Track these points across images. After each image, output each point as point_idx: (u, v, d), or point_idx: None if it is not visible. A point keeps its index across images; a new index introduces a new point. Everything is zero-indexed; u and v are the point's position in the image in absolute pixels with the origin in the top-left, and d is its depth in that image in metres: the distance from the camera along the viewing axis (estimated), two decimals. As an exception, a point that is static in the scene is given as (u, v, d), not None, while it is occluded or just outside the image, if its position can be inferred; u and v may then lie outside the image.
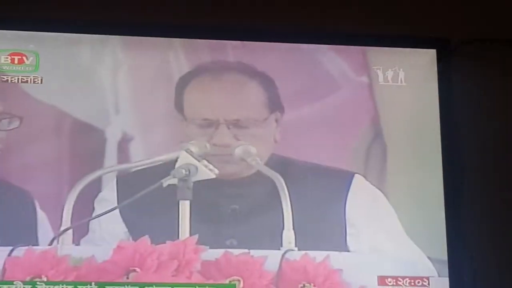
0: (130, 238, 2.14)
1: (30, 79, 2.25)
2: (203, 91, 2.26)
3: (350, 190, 2.24)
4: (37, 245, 2.11)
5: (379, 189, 2.26)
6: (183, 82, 2.27)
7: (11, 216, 2.16)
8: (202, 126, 2.21)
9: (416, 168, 2.29)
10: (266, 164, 2.21)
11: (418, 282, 2.17)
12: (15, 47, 2.27)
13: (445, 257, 2.21)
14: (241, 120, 2.21)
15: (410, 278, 2.17)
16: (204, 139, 2.20)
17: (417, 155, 2.30)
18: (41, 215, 2.16)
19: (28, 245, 2.08)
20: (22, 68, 2.26)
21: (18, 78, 2.24)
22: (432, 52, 2.37)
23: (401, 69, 2.34)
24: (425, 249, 2.22)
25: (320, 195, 2.22)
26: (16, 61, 2.26)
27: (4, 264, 2.06)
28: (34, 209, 2.16)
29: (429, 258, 2.21)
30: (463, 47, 2.37)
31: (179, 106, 2.25)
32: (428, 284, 2.18)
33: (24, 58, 2.26)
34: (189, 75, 2.28)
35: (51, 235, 2.13)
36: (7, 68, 2.25)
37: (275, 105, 2.26)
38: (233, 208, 2.20)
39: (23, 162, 2.19)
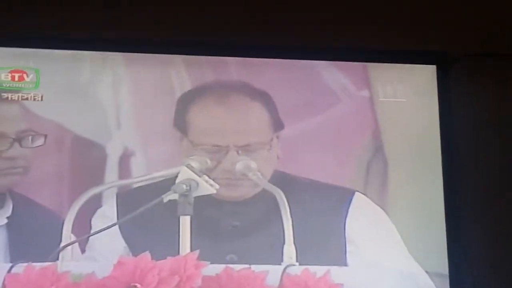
0: (130, 254, 2.13)
1: (31, 96, 2.25)
2: (209, 117, 2.27)
3: (351, 207, 2.24)
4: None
5: (379, 204, 2.26)
6: (185, 102, 2.28)
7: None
8: (211, 152, 2.22)
9: (416, 183, 2.29)
10: (269, 180, 2.21)
11: (419, 298, 2.17)
12: (15, 64, 2.28)
13: (446, 271, 2.21)
14: (250, 145, 2.23)
15: (411, 293, 2.17)
16: (213, 163, 2.21)
17: (418, 170, 2.30)
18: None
19: (28, 262, 2.07)
20: (23, 85, 2.26)
21: (18, 96, 2.24)
22: (432, 68, 2.39)
23: (401, 84, 2.35)
24: (426, 263, 2.21)
25: (321, 212, 2.23)
26: (16, 78, 2.26)
27: (4, 281, 2.05)
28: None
29: (430, 272, 2.20)
30: (462, 62, 2.38)
31: (180, 126, 2.26)
32: (429, 299, 2.18)
33: (25, 75, 2.27)
34: (190, 94, 2.30)
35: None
36: (8, 86, 2.25)
37: (276, 122, 2.28)
38: (234, 225, 2.19)
39: (25, 177, 2.19)
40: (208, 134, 2.24)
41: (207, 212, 2.17)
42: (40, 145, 2.20)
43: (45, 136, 2.21)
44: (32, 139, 2.20)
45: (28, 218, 2.17)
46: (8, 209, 2.17)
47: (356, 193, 2.26)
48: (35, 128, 2.23)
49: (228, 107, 2.29)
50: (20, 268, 2.06)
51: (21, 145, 2.18)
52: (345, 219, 2.22)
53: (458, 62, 2.38)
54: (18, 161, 2.18)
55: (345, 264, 2.19)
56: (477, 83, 2.39)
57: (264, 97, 2.30)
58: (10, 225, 2.17)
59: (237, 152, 2.22)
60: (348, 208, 2.23)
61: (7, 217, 2.17)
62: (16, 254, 2.13)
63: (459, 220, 2.25)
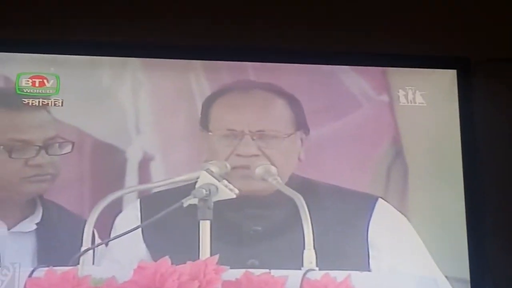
0: (150, 258, 2.13)
1: (51, 101, 2.26)
2: (230, 106, 2.28)
3: (373, 214, 2.23)
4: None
5: (400, 209, 2.25)
6: (211, 100, 2.28)
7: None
8: (226, 136, 2.22)
9: (437, 188, 2.28)
10: (287, 184, 2.21)
11: (441, 303, 2.16)
12: (35, 70, 2.28)
13: (467, 276, 2.20)
14: (265, 131, 2.22)
15: (433, 299, 2.16)
16: (229, 150, 2.21)
17: (439, 175, 2.29)
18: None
19: (48, 266, 2.08)
20: (43, 91, 2.27)
21: (39, 101, 2.25)
22: (453, 72, 2.37)
23: (422, 89, 2.34)
24: (446, 268, 2.20)
25: (342, 217, 2.22)
26: (37, 84, 2.27)
27: (25, 285, 2.06)
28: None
29: (450, 277, 2.19)
30: (483, 67, 2.36)
31: (204, 123, 2.26)
32: (451, 305, 2.17)
33: (45, 81, 2.27)
34: (216, 93, 2.30)
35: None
36: (28, 91, 2.26)
37: (300, 124, 2.27)
38: (255, 229, 2.19)
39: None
40: (225, 119, 2.25)
41: (228, 216, 2.16)
42: (68, 152, 2.21)
43: (73, 143, 2.22)
44: (59, 146, 2.21)
45: (57, 224, 2.18)
46: (38, 215, 2.18)
47: (379, 199, 2.25)
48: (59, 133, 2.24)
49: (251, 98, 2.29)
50: (41, 272, 2.07)
51: (47, 153, 2.19)
52: (368, 225, 2.21)
53: (479, 67, 2.37)
54: (46, 168, 2.19)
55: (367, 268, 2.17)
56: (498, 87, 2.37)
57: (290, 98, 2.30)
58: (39, 230, 2.17)
59: (252, 138, 2.21)
60: (371, 213, 2.22)
61: (37, 223, 2.17)
62: (44, 260, 2.12)
63: (481, 225, 2.24)
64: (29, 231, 2.17)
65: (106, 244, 2.16)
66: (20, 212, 2.18)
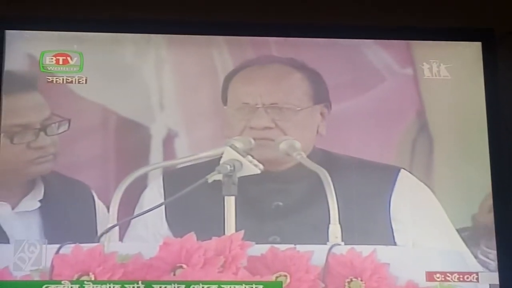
0: (172, 236, 2.14)
1: (75, 79, 2.27)
2: (247, 79, 2.27)
3: (396, 185, 2.22)
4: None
5: (425, 183, 2.24)
6: (231, 75, 2.28)
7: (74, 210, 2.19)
8: (241, 109, 2.23)
9: (463, 161, 2.26)
10: (309, 157, 2.20)
11: (467, 278, 2.15)
12: (59, 48, 2.29)
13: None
14: (278, 104, 2.22)
15: (459, 273, 2.15)
16: (243, 123, 2.21)
17: (464, 148, 2.28)
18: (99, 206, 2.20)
19: (75, 243, 2.10)
20: (67, 68, 2.27)
21: (63, 79, 2.26)
22: (477, 45, 2.35)
23: (446, 62, 2.32)
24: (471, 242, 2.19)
25: (365, 190, 2.21)
26: (60, 62, 2.28)
27: (52, 261, 2.08)
28: (93, 201, 2.20)
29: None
30: (508, 39, 2.33)
31: (224, 98, 2.27)
32: (478, 279, 2.16)
33: (69, 58, 2.28)
34: (236, 68, 2.29)
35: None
36: (52, 69, 2.27)
37: (320, 98, 2.26)
38: (276, 204, 2.19)
39: (72, 160, 2.21)
40: (241, 93, 2.25)
41: (248, 190, 2.16)
42: (65, 131, 2.22)
43: (69, 120, 2.22)
44: (57, 126, 2.22)
45: (62, 199, 2.20)
46: (40, 192, 2.20)
47: (402, 170, 2.24)
48: (81, 110, 2.25)
49: (268, 71, 2.29)
50: (67, 249, 2.09)
51: (46, 134, 2.20)
52: (390, 197, 2.21)
53: (504, 39, 2.34)
54: (48, 149, 2.20)
55: (392, 242, 2.17)
56: (524, 59, 2.35)
57: (311, 72, 2.29)
58: (43, 208, 2.19)
59: (266, 111, 2.21)
60: (393, 185, 2.22)
61: (40, 200, 2.19)
62: (53, 238, 2.14)
63: (508, 199, 2.22)
64: (34, 209, 2.18)
65: (128, 222, 2.17)
66: (21, 190, 2.20)
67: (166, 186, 2.20)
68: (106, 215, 2.15)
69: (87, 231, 2.15)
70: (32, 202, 2.18)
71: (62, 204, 2.19)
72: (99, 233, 2.14)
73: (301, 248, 2.08)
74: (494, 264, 2.18)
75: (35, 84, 2.25)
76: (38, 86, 2.25)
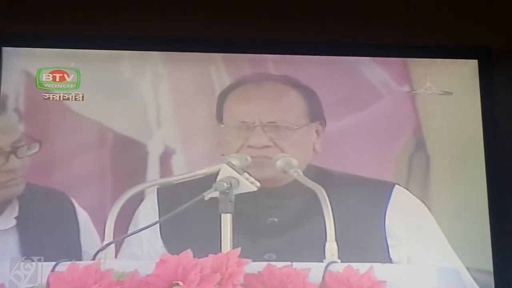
0: (167, 253, 2.13)
1: (72, 96, 2.27)
2: (244, 97, 2.28)
3: (390, 201, 2.23)
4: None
5: (422, 199, 2.24)
6: (225, 93, 2.29)
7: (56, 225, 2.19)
8: (238, 128, 2.23)
9: (459, 178, 2.27)
10: (304, 174, 2.20)
11: (464, 295, 2.15)
12: (56, 65, 2.29)
13: (488, 267, 2.19)
14: (276, 122, 2.22)
15: (455, 290, 2.15)
16: (240, 142, 2.22)
17: (460, 165, 2.28)
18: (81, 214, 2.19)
19: (71, 260, 2.09)
20: (64, 85, 2.28)
21: (60, 96, 2.26)
22: (474, 62, 2.36)
23: (443, 80, 2.33)
24: (468, 260, 2.19)
25: (360, 207, 2.22)
26: (57, 79, 2.28)
27: (48, 279, 2.07)
28: (74, 209, 2.20)
29: (471, 269, 2.18)
30: (505, 57, 2.34)
31: (219, 116, 2.27)
32: (474, 296, 2.16)
33: (65, 75, 2.28)
34: (231, 86, 2.30)
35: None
36: (49, 86, 2.27)
37: (316, 116, 2.27)
38: (271, 220, 2.19)
39: (67, 176, 2.20)
40: (238, 112, 2.25)
41: (243, 206, 2.15)
42: (36, 152, 2.21)
43: (40, 142, 2.22)
44: (27, 148, 2.21)
45: (38, 209, 2.19)
46: (15, 209, 2.19)
47: (396, 185, 2.25)
48: (77, 127, 2.24)
49: (264, 90, 2.29)
50: (63, 266, 2.07)
51: (17, 156, 2.20)
52: (385, 213, 2.21)
53: (500, 57, 2.35)
54: (18, 172, 2.19)
55: (388, 259, 2.17)
56: (520, 77, 2.36)
57: (306, 90, 2.30)
58: (19, 224, 2.18)
59: (263, 130, 2.21)
60: (388, 201, 2.22)
61: (15, 217, 2.18)
62: (33, 254, 2.12)
63: (504, 215, 2.23)
64: (10, 227, 2.17)
65: (128, 238, 2.16)
66: None
67: (161, 202, 2.20)
68: (89, 222, 2.15)
69: (70, 243, 2.16)
70: (7, 219, 2.17)
71: (40, 218, 2.18)
72: (82, 244, 2.16)
73: (297, 265, 2.07)
74: (490, 280, 2.18)
75: (4, 106, 2.24)
76: (7, 107, 2.24)
